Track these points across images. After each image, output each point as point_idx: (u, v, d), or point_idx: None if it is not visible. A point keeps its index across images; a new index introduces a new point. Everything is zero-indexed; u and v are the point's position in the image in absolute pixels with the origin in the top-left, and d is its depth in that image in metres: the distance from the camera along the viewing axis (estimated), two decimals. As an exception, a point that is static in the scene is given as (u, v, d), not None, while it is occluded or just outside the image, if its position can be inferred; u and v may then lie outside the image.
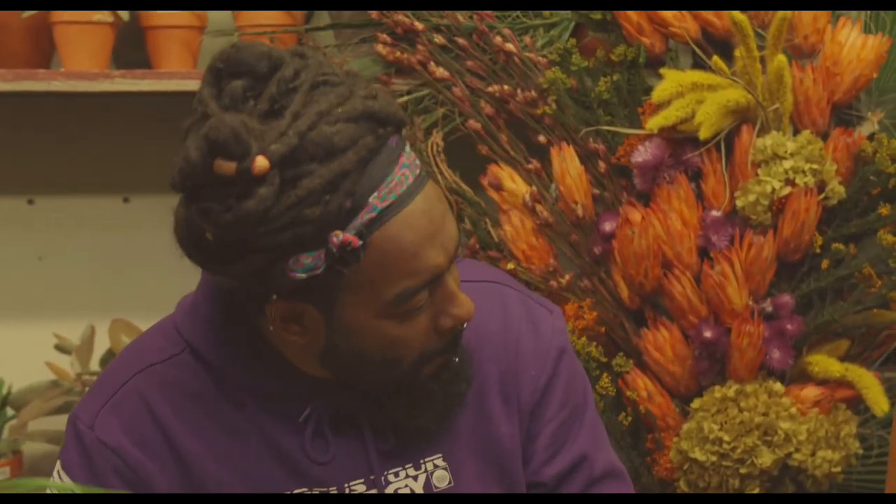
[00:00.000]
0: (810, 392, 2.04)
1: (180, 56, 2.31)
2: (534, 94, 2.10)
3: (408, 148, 1.26)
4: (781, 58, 1.97)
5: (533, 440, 1.43)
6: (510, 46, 2.11)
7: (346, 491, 1.37)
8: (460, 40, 2.13)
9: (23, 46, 2.33)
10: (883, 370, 2.06)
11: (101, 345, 2.38)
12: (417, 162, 1.27)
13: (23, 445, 2.38)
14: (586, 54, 2.09)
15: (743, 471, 2.01)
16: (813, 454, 2.02)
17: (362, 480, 1.38)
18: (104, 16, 2.26)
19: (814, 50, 2.05)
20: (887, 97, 2.08)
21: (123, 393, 1.37)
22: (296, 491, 1.36)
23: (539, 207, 2.09)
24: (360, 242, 1.21)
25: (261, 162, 1.16)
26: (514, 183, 2.10)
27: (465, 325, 1.32)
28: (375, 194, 1.21)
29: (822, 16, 2.04)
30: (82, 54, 2.27)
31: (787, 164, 1.98)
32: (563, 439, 1.43)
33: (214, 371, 1.36)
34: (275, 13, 2.26)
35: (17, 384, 2.38)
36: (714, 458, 2.02)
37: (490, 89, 2.12)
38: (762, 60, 1.99)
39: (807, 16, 2.03)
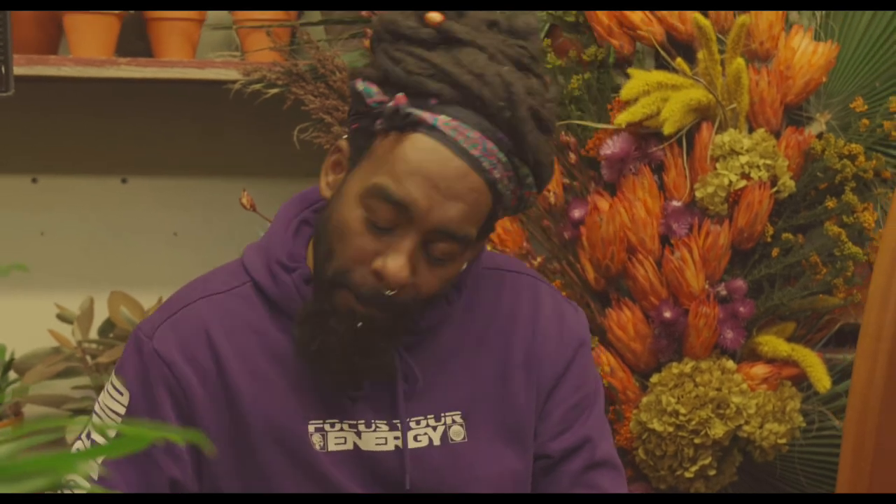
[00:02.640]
0: (759, 370, 2.09)
1: (181, 46, 2.40)
2: (511, 89, 2.20)
3: (489, 146, 1.39)
4: (740, 61, 2.04)
5: (545, 418, 1.54)
6: (490, 45, 2.22)
7: (372, 428, 1.47)
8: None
9: (33, 33, 2.39)
10: (825, 351, 2.12)
11: (100, 315, 2.44)
12: (479, 154, 1.39)
13: (24, 407, 2.44)
14: (559, 54, 2.14)
15: (697, 441, 2.06)
16: (761, 426, 2.07)
17: (386, 421, 1.48)
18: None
19: (769, 55, 2.12)
20: (835, 100, 2.15)
21: (184, 313, 1.48)
22: (328, 421, 1.47)
23: (514, 195, 2.18)
24: (407, 112, 1.37)
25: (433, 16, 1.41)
26: (491, 171, 2.19)
27: (387, 292, 1.38)
28: (446, 118, 1.38)
29: (777, 24, 2.12)
30: (90, 42, 2.35)
31: (743, 159, 2.04)
32: (573, 421, 1.55)
33: (270, 304, 1.48)
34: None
35: (20, 351, 2.43)
36: (671, 429, 2.07)
37: (470, 84, 2.23)
38: (722, 63, 2.06)
39: (763, 23, 2.11)
